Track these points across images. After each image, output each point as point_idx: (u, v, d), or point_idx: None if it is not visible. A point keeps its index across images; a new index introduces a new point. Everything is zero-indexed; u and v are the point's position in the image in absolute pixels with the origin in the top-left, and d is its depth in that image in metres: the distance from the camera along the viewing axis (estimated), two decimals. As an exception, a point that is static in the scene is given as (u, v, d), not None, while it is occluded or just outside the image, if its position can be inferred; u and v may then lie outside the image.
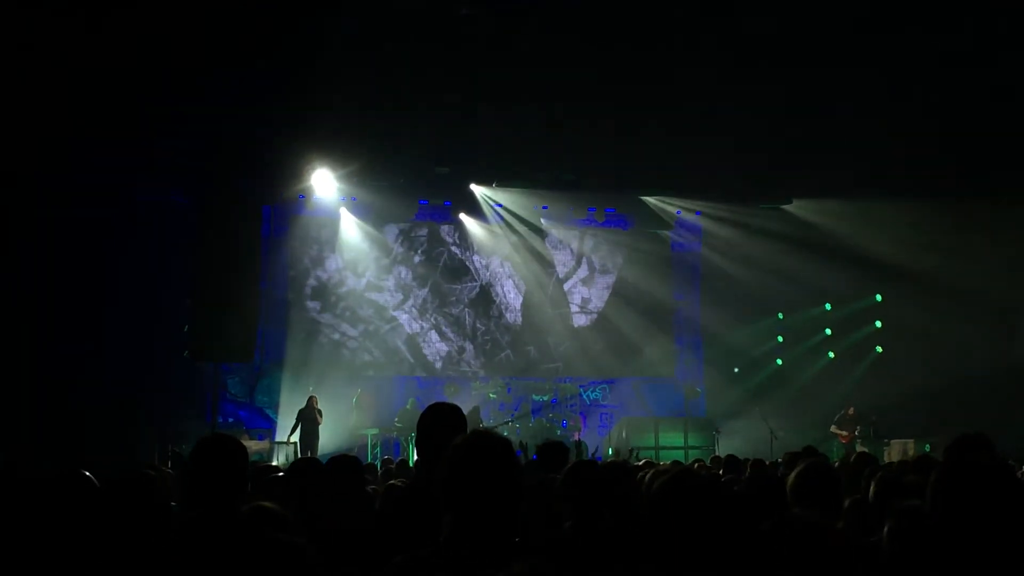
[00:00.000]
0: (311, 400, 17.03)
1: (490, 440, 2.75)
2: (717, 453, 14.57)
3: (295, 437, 16.65)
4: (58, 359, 15.68)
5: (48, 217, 15.58)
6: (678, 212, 20.69)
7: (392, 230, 20.35)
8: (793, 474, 4.07)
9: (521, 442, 9.28)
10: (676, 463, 10.04)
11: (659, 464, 9.18)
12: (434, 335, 20.66)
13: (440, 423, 3.75)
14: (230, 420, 18.45)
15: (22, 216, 15.00)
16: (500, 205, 20.05)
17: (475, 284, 21.04)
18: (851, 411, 18.14)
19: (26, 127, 13.24)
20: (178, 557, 3.27)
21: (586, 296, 21.67)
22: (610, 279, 21.73)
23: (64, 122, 13.44)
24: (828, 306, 20.62)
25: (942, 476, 2.40)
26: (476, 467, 2.67)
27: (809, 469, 4.07)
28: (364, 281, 20.20)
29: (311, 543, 2.50)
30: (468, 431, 3.02)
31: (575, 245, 21.70)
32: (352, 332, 20.16)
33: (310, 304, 20.00)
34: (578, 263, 21.77)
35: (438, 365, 20.52)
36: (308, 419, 16.72)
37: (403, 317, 20.51)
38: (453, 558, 2.60)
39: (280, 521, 2.99)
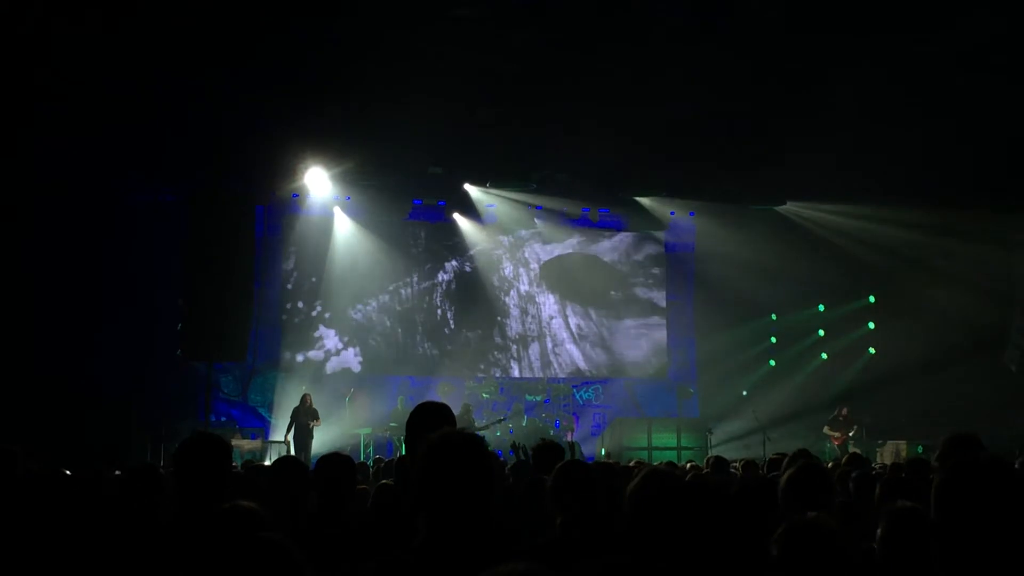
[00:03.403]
0: (305, 398, 16.97)
1: (458, 438, 2.72)
2: (710, 454, 14.56)
3: (290, 436, 16.60)
4: (50, 358, 15.62)
5: (39, 215, 15.52)
6: (672, 213, 20.68)
7: (386, 230, 20.25)
8: (785, 476, 4.05)
9: (514, 443, 9.27)
10: (669, 464, 10.04)
11: (652, 465, 9.16)
12: (426, 334, 20.61)
13: (428, 422, 3.71)
14: (223, 419, 18.40)
15: (13, 214, 14.94)
16: (494, 205, 20.03)
17: (468, 284, 20.98)
18: (844, 412, 18.14)
19: (16, 124, 13.21)
20: (161, 556, 3.24)
21: (579, 296, 21.61)
22: (603, 279, 21.68)
23: (55, 120, 13.40)
24: (821, 307, 20.63)
25: (949, 475, 2.35)
26: (445, 466, 2.64)
27: (802, 471, 4.05)
28: (358, 280, 20.13)
29: (298, 541, 2.47)
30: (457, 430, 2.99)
31: (569, 245, 21.65)
32: (344, 331, 20.11)
33: (303, 303, 19.94)
34: (571, 263, 21.70)
35: (431, 364, 20.44)
36: (302, 417, 16.67)
37: (396, 315, 20.45)
38: (430, 560, 2.57)
39: (256, 520, 2.96)
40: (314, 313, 19.96)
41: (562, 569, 2.02)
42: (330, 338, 19.96)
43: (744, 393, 20.40)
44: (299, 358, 19.46)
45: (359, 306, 20.22)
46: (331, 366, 19.75)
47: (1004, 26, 12.25)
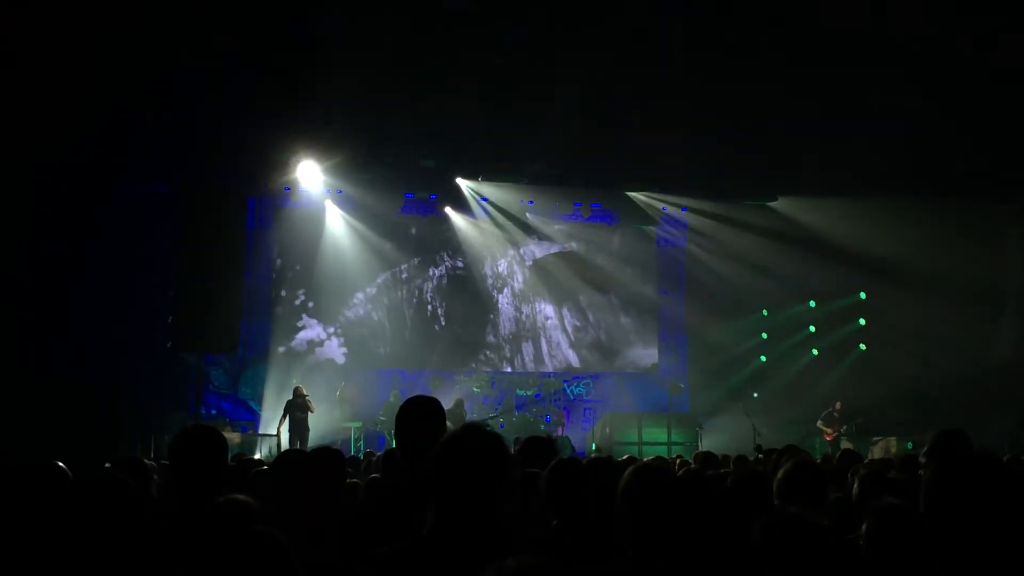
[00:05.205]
0: (297, 390, 16.92)
1: (482, 434, 2.72)
2: (700, 449, 14.57)
3: (284, 428, 16.53)
4: (40, 352, 15.54)
5: (28, 209, 15.44)
6: (664, 208, 20.69)
7: (377, 223, 20.20)
8: (781, 471, 4.06)
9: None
10: (659, 459, 10.05)
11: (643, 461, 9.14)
12: (417, 328, 20.58)
13: (418, 416, 3.70)
14: (213, 412, 18.35)
15: (3, 210, 14.87)
16: (486, 199, 19.99)
17: (460, 277, 20.97)
18: (839, 407, 18.15)
19: (4, 120, 13.14)
20: (157, 551, 3.23)
21: (570, 291, 21.60)
22: (595, 274, 21.68)
23: (43, 114, 13.33)
24: (812, 303, 20.64)
25: (941, 469, 2.36)
26: (468, 461, 2.64)
27: (797, 466, 4.06)
28: (349, 273, 20.09)
29: (289, 535, 2.47)
30: (449, 425, 2.98)
31: (560, 240, 21.63)
32: (336, 324, 20.07)
33: (293, 296, 19.89)
34: (563, 258, 21.69)
35: (422, 358, 20.41)
36: (296, 409, 16.61)
37: (387, 309, 20.42)
38: (437, 551, 2.57)
39: (251, 513, 2.95)
40: (297, 303, 19.89)
41: (561, 567, 2.02)
42: (314, 329, 19.90)
43: (755, 395, 20.30)
44: (281, 349, 19.41)
45: (350, 300, 20.19)
46: (315, 358, 19.70)
47: (1000, 23, 12.29)
